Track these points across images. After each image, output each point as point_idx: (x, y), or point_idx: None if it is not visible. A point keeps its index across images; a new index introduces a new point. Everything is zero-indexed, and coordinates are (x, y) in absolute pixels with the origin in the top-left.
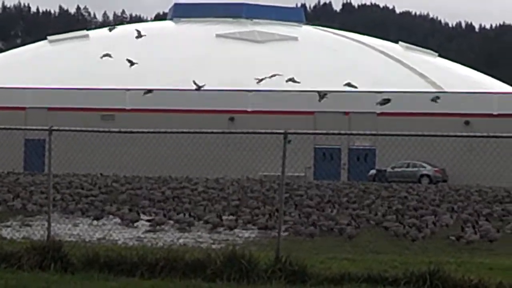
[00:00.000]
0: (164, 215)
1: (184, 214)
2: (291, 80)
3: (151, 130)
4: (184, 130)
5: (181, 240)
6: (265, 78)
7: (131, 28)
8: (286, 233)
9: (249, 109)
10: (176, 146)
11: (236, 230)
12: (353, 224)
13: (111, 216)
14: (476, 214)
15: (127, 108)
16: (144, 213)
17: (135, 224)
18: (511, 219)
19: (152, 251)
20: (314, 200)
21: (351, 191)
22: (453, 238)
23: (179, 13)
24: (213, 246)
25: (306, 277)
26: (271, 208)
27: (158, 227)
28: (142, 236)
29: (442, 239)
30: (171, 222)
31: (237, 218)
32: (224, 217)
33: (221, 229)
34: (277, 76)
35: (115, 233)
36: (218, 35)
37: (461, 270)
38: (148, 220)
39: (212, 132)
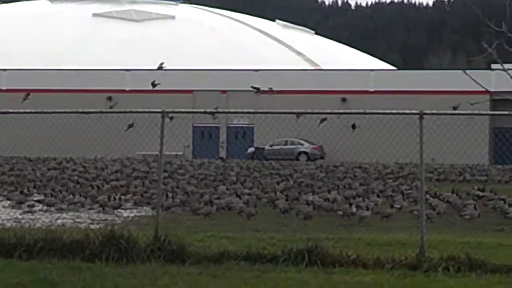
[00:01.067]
0: (54, 196)
1: (76, 195)
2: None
3: (27, 110)
4: (61, 110)
5: (59, 221)
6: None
7: (10, 8)
8: (165, 213)
9: (127, 88)
10: (53, 126)
11: (117, 211)
12: (244, 202)
13: None
14: (368, 191)
15: (3, 88)
16: (31, 194)
17: (23, 206)
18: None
19: (30, 232)
20: (198, 179)
21: (238, 169)
22: (340, 213)
23: None
24: (92, 226)
25: (185, 256)
26: (165, 187)
27: (48, 208)
28: (20, 217)
29: (330, 216)
30: (61, 202)
31: (120, 197)
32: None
33: (107, 209)
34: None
35: None
36: (94, 14)
37: (339, 246)
38: (37, 201)
39: (89, 112)
